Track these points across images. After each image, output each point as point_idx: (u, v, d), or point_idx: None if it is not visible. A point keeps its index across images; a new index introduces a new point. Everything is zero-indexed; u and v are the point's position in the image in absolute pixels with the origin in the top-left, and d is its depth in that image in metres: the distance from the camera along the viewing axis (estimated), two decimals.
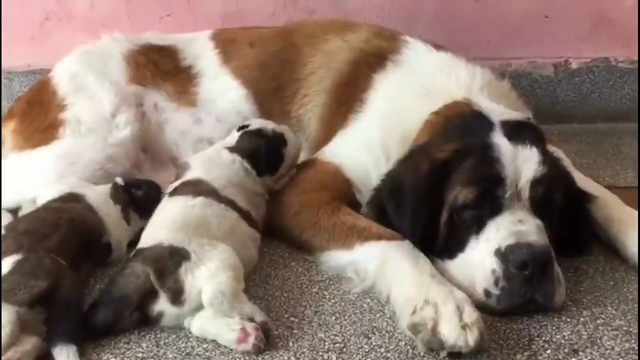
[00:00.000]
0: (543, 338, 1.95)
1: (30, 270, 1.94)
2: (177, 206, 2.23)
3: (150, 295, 1.94)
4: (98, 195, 2.38)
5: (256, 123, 2.65)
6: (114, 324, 1.93)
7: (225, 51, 3.04)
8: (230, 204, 2.31)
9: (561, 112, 3.88)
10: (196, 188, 2.30)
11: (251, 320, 1.91)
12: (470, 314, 1.86)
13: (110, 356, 1.87)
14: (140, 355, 1.88)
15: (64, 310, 1.88)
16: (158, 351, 1.89)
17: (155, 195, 2.46)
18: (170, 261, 1.95)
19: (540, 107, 3.77)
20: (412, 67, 2.72)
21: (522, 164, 2.15)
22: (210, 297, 1.88)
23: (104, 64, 3.00)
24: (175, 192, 2.32)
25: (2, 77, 3.68)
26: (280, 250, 2.45)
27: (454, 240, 2.19)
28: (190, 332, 1.95)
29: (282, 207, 2.51)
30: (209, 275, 1.91)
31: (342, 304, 2.14)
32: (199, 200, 2.24)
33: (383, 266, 2.16)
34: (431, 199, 2.22)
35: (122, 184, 2.44)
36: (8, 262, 1.96)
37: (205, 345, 1.91)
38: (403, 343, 1.93)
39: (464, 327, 1.83)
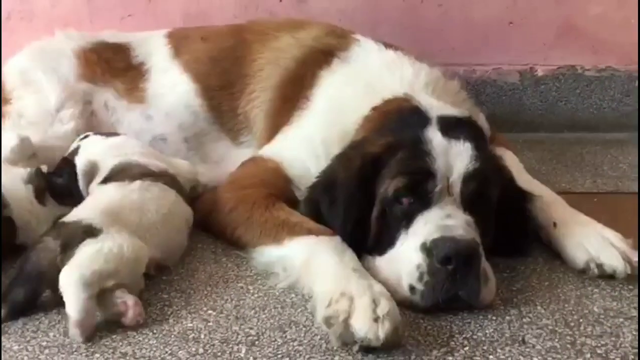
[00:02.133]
0: (464, 335, 1.88)
1: None
2: (113, 191, 2.19)
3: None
4: (7, 173, 2.35)
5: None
6: (30, 302, 1.90)
7: (176, 46, 3.03)
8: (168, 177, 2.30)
9: (527, 120, 3.83)
10: (129, 173, 2.26)
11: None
12: (384, 307, 1.80)
13: (14, 344, 1.82)
14: (44, 343, 1.82)
15: None
16: (64, 340, 1.84)
17: (74, 185, 2.43)
18: (79, 237, 1.91)
19: (505, 115, 3.77)
20: (358, 64, 2.68)
21: (454, 158, 2.10)
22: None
23: (54, 61, 3.00)
24: (106, 181, 2.28)
25: None
26: (214, 246, 2.41)
27: (384, 236, 2.14)
28: (100, 322, 1.89)
29: (219, 202, 2.46)
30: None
31: (265, 298, 2.08)
32: (137, 184, 2.20)
33: (309, 261, 2.11)
34: (362, 195, 2.17)
35: (44, 170, 2.42)
36: None
37: (113, 336, 1.85)
38: (318, 337, 1.87)
39: (376, 320, 1.77)
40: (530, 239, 2.34)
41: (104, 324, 1.89)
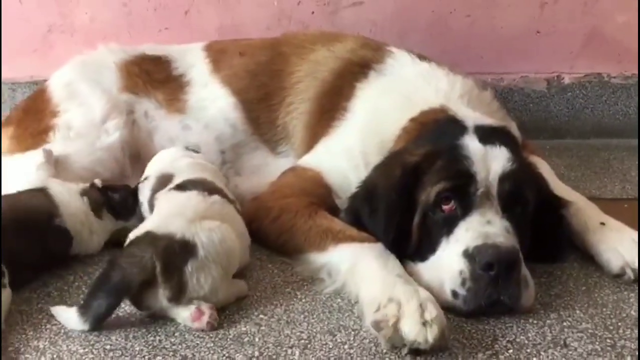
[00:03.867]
0: (507, 338, 1.96)
1: None
2: (193, 200, 2.22)
3: (146, 283, 1.94)
4: (62, 187, 2.44)
5: None
6: (111, 312, 1.95)
7: (215, 60, 3.11)
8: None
9: (554, 127, 3.89)
10: (206, 187, 2.31)
11: None
12: (432, 311, 1.89)
13: (79, 347, 1.91)
14: (108, 347, 1.92)
15: None
16: (126, 344, 1.93)
17: (131, 200, 2.53)
18: (178, 257, 1.96)
19: (533, 122, 3.83)
20: (394, 76, 2.77)
21: (491, 161, 2.18)
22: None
23: (97, 73, 3.09)
24: (183, 188, 2.31)
25: (6, 87, 3.78)
26: (259, 253, 2.48)
27: (425, 243, 2.22)
28: (158, 326, 2.00)
29: (262, 211, 2.55)
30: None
31: (313, 303, 2.17)
32: (217, 198, 2.27)
33: (354, 267, 2.19)
34: (403, 203, 2.26)
35: (99, 185, 2.51)
36: None
37: (172, 339, 1.95)
38: (367, 341, 1.95)
39: (424, 324, 1.85)
40: (566, 245, 2.41)
41: (161, 328, 1.99)
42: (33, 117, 2.97)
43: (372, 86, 2.75)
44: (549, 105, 3.88)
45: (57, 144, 2.79)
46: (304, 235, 2.39)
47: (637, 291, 2.21)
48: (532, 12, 3.78)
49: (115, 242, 2.47)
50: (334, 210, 2.53)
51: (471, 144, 2.23)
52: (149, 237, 2.02)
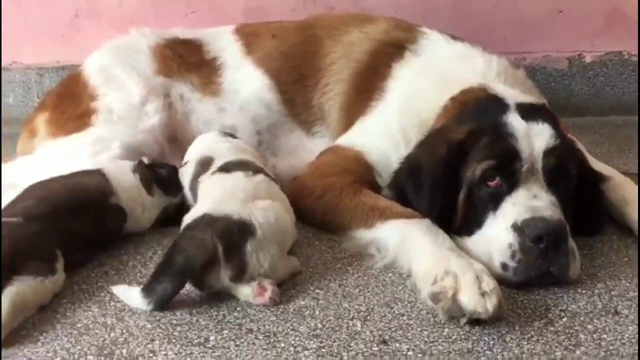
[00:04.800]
0: (559, 307, 2.03)
1: None
2: (240, 181, 2.27)
3: (208, 264, 1.99)
4: (116, 165, 2.51)
5: None
6: (174, 294, 2.00)
7: (247, 43, 3.15)
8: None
9: (575, 105, 3.96)
10: (249, 167, 2.36)
11: None
12: (489, 283, 1.95)
13: (146, 323, 1.97)
14: (174, 322, 1.97)
15: None
16: (191, 319, 1.99)
17: (175, 175, 2.59)
18: (238, 237, 2.02)
19: (554, 100, 3.84)
20: (430, 56, 2.82)
21: (534, 137, 2.25)
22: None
23: (131, 57, 3.12)
24: (228, 170, 2.35)
25: (33, 73, 3.81)
26: (305, 230, 2.54)
27: (471, 218, 2.28)
28: (220, 302, 2.05)
29: (305, 190, 2.60)
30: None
31: (365, 278, 2.23)
32: (262, 177, 2.32)
33: (403, 242, 2.25)
34: (448, 179, 2.32)
35: (147, 162, 2.57)
36: None
37: (235, 314, 2.01)
38: (424, 312, 2.02)
39: (482, 294, 1.92)
40: (605, 218, 2.47)
41: (222, 304, 2.05)
42: (70, 102, 3.01)
43: (408, 66, 2.80)
44: (571, 84, 3.96)
45: (100, 126, 2.83)
46: (350, 213, 2.45)
47: None
48: None
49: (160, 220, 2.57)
50: (375, 188, 2.59)
51: (514, 121, 2.29)
52: (207, 219, 2.07)
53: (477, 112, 2.41)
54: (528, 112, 2.34)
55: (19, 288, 1.92)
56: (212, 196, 2.18)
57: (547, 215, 2.13)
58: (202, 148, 2.57)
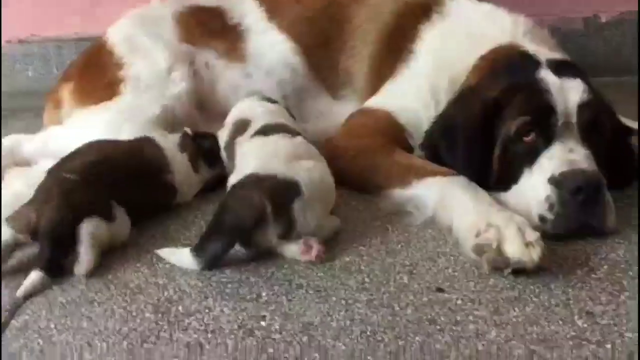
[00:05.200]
0: (599, 256, 2.07)
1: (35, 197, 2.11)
2: (281, 142, 2.30)
3: (256, 223, 2.02)
4: (167, 140, 2.52)
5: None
6: (225, 253, 2.04)
7: (270, 8, 3.16)
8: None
9: (592, 65, 3.95)
10: (288, 129, 2.39)
11: None
12: (532, 234, 1.99)
13: (197, 282, 2.01)
14: (225, 280, 2.02)
15: (41, 238, 2.01)
16: (240, 276, 2.03)
17: (218, 147, 2.61)
18: (285, 195, 2.05)
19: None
20: (457, 17, 2.83)
21: (568, 92, 2.28)
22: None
23: (155, 26, 3.13)
24: (267, 132, 2.38)
25: (52, 45, 3.81)
26: (339, 191, 2.56)
27: (507, 173, 2.32)
28: (267, 259, 2.10)
29: (338, 151, 2.62)
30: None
31: (406, 234, 2.27)
32: (301, 139, 2.35)
33: (442, 199, 2.28)
34: (483, 137, 2.35)
35: (191, 133, 2.58)
36: None
37: (283, 271, 2.05)
38: (468, 265, 2.06)
39: (527, 245, 1.96)
40: (635, 170, 2.51)
41: (269, 261, 2.09)
42: (95, 71, 3.01)
43: (436, 27, 2.81)
44: (587, 45, 3.96)
45: (129, 94, 2.85)
46: (386, 172, 2.48)
47: None
48: None
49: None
50: (407, 149, 2.63)
51: (548, 77, 2.32)
52: (254, 179, 2.10)
53: (509, 70, 2.44)
54: (560, 67, 2.38)
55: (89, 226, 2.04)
56: (256, 157, 2.21)
57: (584, 167, 2.17)
58: (239, 111, 2.59)
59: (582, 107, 2.27)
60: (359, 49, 2.98)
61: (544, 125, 2.26)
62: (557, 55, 2.52)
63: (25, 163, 2.73)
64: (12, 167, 2.66)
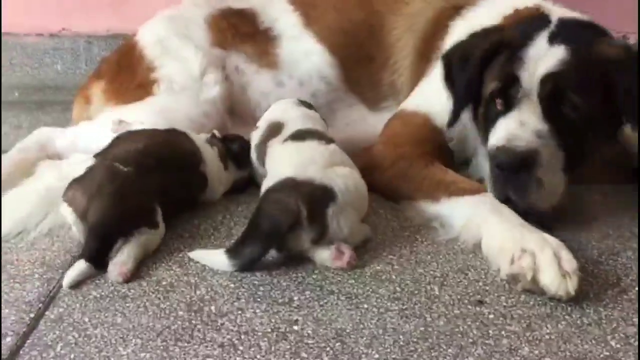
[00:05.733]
0: (630, 277, 2.08)
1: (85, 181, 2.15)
2: (318, 148, 2.30)
3: (290, 227, 2.03)
4: (197, 136, 2.54)
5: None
6: (261, 257, 2.05)
7: (306, 14, 3.14)
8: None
9: None
10: (322, 136, 2.40)
11: None
12: (569, 261, 1.95)
13: (229, 282, 2.02)
14: (256, 282, 2.03)
15: (90, 231, 2.06)
16: (272, 279, 2.04)
17: (247, 150, 2.62)
18: (320, 201, 2.06)
19: None
20: (487, 7, 2.82)
21: (540, 61, 2.27)
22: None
23: (186, 28, 3.13)
24: (301, 138, 2.37)
25: (82, 41, 3.84)
26: (368, 199, 2.56)
27: (484, 130, 2.43)
28: (298, 263, 2.11)
29: (376, 160, 2.63)
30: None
31: (435, 245, 2.28)
32: (335, 146, 2.35)
33: (470, 221, 2.26)
34: (477, 84, 2.45)
35: (219, 135, 2.61)
36: None
37: (314, 276, 2.06)
38: (499, 279, 2.06)
39: (563, 275, 1.92)
40: None
41: (300, 267, 2.10)
42: (127, 72, 3.02)
43: (465, 19, 2.81)
44: None
45: (162, 96, 2.87)
46: (418, 184, 2.49)
47: None
48: None
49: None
50: (447, 152, 2.65)
51: (537, 43, 2.31)
52: (291, 183, 2.11)
53: (520, 26, 2.47)
54: (563, 30, 2.35)
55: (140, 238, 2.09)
56: (293, 162, 2.22)
57: (514, 145, 2.21)
58: (274, 113, 2.61)
59: (544, 79, 2.25)
60: (401, 63, 2.98)
61: (507, 94, 2.31)
62: (576, 14, 2.52)
63: (57, 157, 2.74)
64: (44, 160, 2.67)
